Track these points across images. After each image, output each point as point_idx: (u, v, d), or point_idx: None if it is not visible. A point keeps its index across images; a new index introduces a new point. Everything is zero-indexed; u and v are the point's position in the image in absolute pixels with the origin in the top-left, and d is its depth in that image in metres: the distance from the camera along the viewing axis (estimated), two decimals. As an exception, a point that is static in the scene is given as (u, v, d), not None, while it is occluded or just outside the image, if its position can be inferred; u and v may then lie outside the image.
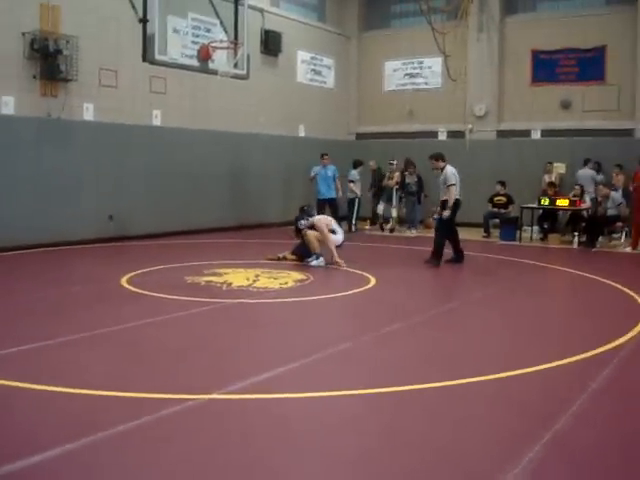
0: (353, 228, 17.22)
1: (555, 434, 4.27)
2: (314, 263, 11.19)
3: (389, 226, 17.44)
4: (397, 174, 17.37)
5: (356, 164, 17.61)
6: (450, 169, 11.63)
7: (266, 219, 17.60)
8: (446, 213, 11.45)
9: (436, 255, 11.55)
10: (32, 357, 5.86)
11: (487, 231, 16.34)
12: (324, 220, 11.77)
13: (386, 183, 17.60)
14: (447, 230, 11.69)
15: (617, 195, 15.04)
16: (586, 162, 16.98)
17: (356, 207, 17.36)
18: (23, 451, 3.88)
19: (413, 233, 16.81)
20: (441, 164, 11.71)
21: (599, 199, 15.42)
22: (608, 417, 4.73)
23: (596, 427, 4.52)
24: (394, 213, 17.48)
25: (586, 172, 16.87)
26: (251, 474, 3.75)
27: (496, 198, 16.61)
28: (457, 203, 11.66)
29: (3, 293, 8.66)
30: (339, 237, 11.58)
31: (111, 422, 4.31)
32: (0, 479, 3.59)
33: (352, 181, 17.34)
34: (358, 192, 17.34)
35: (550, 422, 4.44)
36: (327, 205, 15.98)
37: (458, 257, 11.95)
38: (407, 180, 17.14)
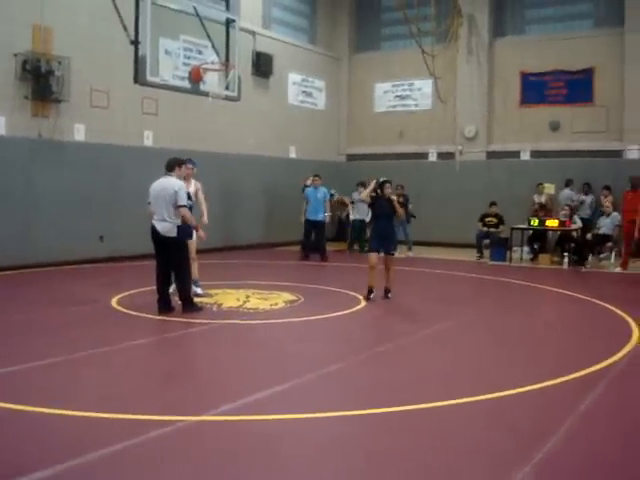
0: (356, 247, 17.08)
1: (545, 455, 4.27)
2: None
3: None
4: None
5: (360, 185, 17.33)
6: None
7: (254, 240, 17.60)
8: None
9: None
10: (22, 378, 5.83)
11: (480, 252, 16.15)
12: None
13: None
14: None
15: (615, 215, 15.20)
16: (567, 183, 17.22)
17: (365, 229, 16.25)
18: (11, 473, 3.84)
19: (402, 255, 16.52)
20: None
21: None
22: (598, 438, 4.72)
23: (586, 448, 4.52)
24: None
25: (564, 193, 17.19)
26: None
27: (487, 219, 16.63)
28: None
29: (-8, 314, 8.60)
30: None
31: (100, 444, 4.28)
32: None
33: (353, 202, 17.28)
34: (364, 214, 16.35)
35: (540, 443, 4.45)
36: (313, 228, 15.58)
37: (184, 306, 8.83)
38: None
